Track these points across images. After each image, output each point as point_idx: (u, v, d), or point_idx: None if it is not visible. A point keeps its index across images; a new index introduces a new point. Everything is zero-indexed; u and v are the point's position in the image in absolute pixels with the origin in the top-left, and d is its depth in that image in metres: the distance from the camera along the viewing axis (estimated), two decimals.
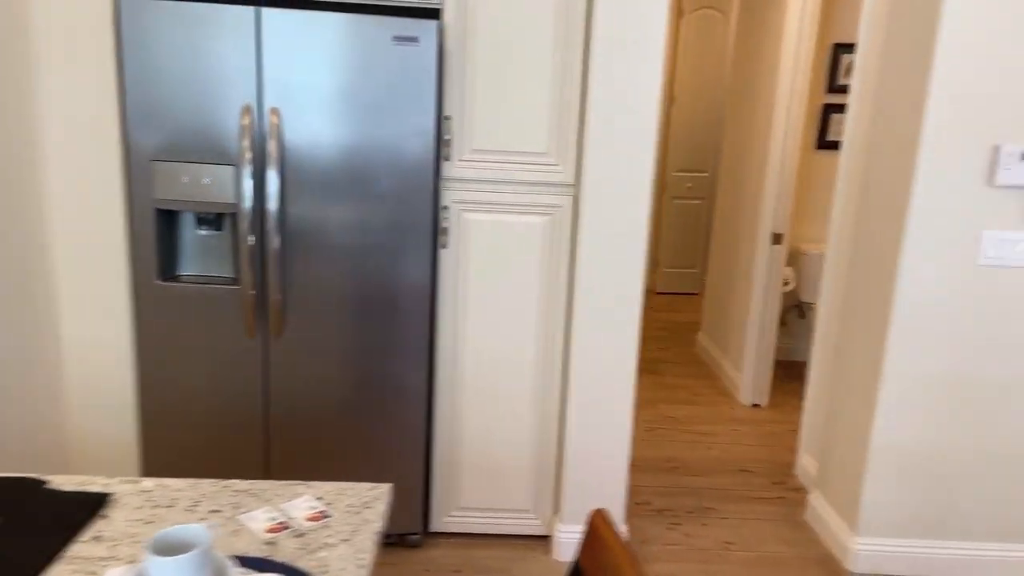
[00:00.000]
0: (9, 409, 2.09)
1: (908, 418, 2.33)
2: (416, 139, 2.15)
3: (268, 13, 2.05)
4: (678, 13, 5.88)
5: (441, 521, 2.53)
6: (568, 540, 2.45)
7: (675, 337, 5.06)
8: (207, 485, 1.27)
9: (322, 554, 1.09)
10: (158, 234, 2.18)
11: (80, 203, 2.21)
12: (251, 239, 2.14)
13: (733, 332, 4.15)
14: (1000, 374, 2.29)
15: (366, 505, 1.23)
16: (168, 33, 2.04)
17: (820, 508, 2.68)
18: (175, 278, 2.24)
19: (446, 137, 2.23)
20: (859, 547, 2.44)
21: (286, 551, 1.09)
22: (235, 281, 2.23)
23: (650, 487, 2.99)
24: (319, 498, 1.23)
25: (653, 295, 6.20)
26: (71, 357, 2.30)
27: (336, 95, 2.10)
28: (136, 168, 2.12)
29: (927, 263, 2.23)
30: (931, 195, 2.19)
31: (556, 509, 2.50)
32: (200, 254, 2.28)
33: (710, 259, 4.68)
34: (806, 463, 3.05)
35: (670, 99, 5.99)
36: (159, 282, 2.20)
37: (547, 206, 2.29)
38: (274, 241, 2.15)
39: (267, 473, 2.35)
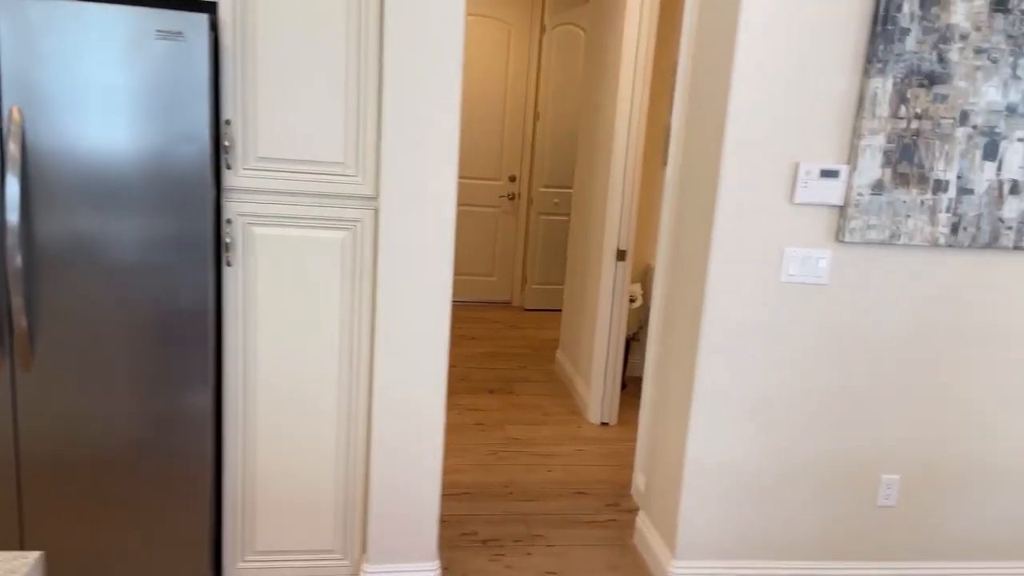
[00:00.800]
0: None
1: (719, 436, 2.29)
2: (187, 145, 1.93)
3: (18, 2, 1.80)
4: (540, 29, 5.87)
5: (235, 568, 2.29)
6: None
7: (535, 355, 4.98)
8: None
9: None
10: None
11: None
12: None
13: (583, 349, 4.09)
14: (808, 390, 2.28)
15: None
16: None
17: (646, 530, 2.61)
18: None
19: (225, 143, 2.02)
20: (678, 570, 2.37)
21: None
22: None
23: (479, 516, 2.85)
24: None
25: (521, 312, 6.13)
26: None
27: (92, 95, 1.86)
28: None
29: (732, 281, 2.20)
30: (734, 213, 2.16)
31: (364, 548, 2.31)
32: None
33: (566, 276, 4.63)
34: (640, 482, 2.99)
35: (534, 115, 5.97)
36: None
37: (347, 220, 2.12)
38: (15, 259, 1.87)
39: (21, 527, 2.05)
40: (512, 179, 6.07)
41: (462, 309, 5.98)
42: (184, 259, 1.99)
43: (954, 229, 2.20)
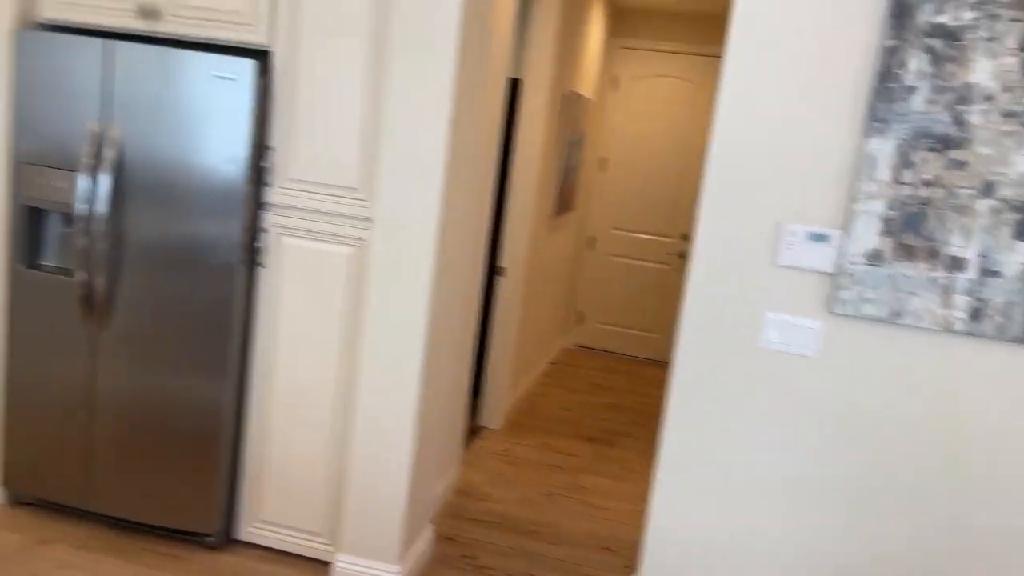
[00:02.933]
0: None
1: (685, 510, 2.16)
2: (230, 165, 2.36)
3: (118, 45, 2.37)
4: (612, 83, 5.79)
5: (245, 530, 2.64)
6: (345, 570, 2.47)
7: (657, 415, 4.86)
8: None
9: None
10: (25, 228, 2.53)
11: None
12: (84, 239, 2.43)
13: None
14: (782, 469, 2.08)
15: None
16: (47, 59, 2.41)
17: None
18: (36, 266, 2.57)
19: (264, 165, 2.42)
20: None
21: None
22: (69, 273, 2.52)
23: (491, 544, 2.92)
24: None
25: (581, 351, 5.98)
26: None
27: (168, 119, 2.37)
28: (12, 170, 2.50)
29: (704, 343, 2.10)
30: (710, 269, 2.08)
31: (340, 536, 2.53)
32: (63, 249, 2.60)
33: None
34: None
35: (601, 162, 5.92)
36: (22, 268, 2.54)
37: (355, 238, 2.41)
38: (102, 242, 2.43)
39: (88, 453, 2.59)
40: (685, 237, 5.99)
41: (614, 360, 5.99)
42: (224, 258, 2.41)
43: (975, 315, 1.90)
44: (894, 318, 1.94)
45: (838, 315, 2.00)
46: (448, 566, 2.72)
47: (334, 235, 2.42)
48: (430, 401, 2.50)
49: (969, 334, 1.91)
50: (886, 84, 1.88)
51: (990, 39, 1.82)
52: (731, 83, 2.00)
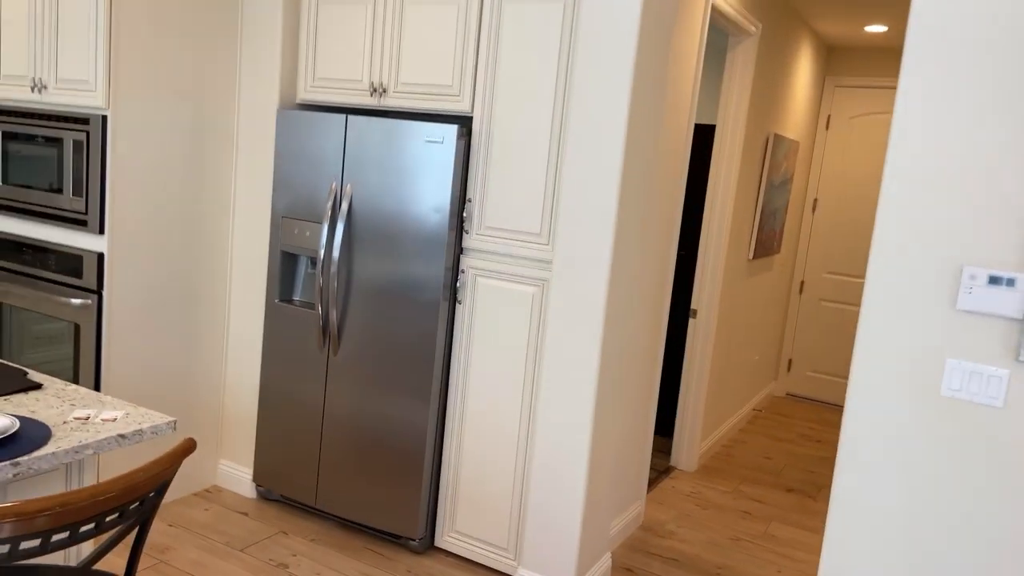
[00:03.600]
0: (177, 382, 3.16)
1: (857, 554, 2.10)
2: (435, 215, 2.74)
3: (351, 118, 2.87)
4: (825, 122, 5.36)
5: (443, 538, 2.95)
6: None
7: None
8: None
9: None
10: (281, 269, 3.10)
11: (247, 244, 3.25)
12: (321, 279, 2.94)
13: None
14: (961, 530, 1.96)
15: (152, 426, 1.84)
16: (300, 132, 2.99)
17: None
18: (289, 301, 3.13)
19: (465, 215, 2.78)
20: None
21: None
22: (313, 307, 3.04)
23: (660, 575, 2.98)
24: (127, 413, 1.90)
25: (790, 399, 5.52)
26: (231, 350, 3.33)
27: (388, 178, 2.81)
28: (273, 223, 3.09)
29: (880, 386, 2.06)
30: (884, 317, 2.04)
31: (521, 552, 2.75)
32: (308, 287, 3.15)
33: None
34: None
35: (812, 204, 5.53)
36: (278, 302, 3.12)
37: (537, 278, 2.67)
38: (335, 282, 2.91)
39: (318, 468, 3.07)
40: None
41: (826, 410, 5.69)
42: (428, 296, 2.78)
43: None
44: None
45: None
46: None
47: (520, 276, 2.70)
48: (605, 433, 2.66)
49: None
50: None
51: None
52: (904, 113, 1.99)
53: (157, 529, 2.98)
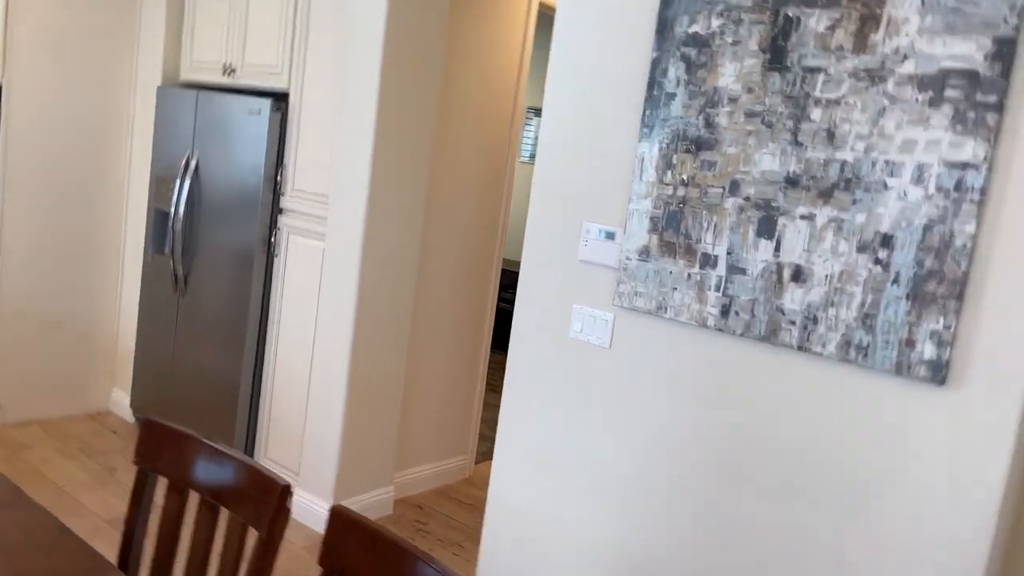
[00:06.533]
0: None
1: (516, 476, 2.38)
2: (254, 178, 3.18)
3: (199, 93, 3.36)
4: None
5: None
6: (301, 505, 3.07)
7: None
8: None
9: None
10: (155, 225, 3.62)
11: (138, 205, 3.79)
12: (171, 233, 3.43)
13: None
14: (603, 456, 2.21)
15: None
16: (170, 105, 3.49)
17: None
18: (161, 252, 3.64)
19: (279, 179, 3.20)
20: None
21: None
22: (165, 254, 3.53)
23: (448, 517, 3.28)
24: None
25: None
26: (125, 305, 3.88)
27: (223, 147, 3.28)
28: (150, 186, 3.61)
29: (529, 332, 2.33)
30: (534, 267, 2.32)
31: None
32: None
33: None
34: None
35: None
36: (151, 253, 3.64)
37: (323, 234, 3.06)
38: (181, 235, 3.40)
39: (170, 389, 3.55)
40: None
41: None
42: (251, 251, 3.22)
43: (724, 311, 1.91)
44: (659, 312, 2.03)
45: (622, 308, 2.12)
46: (394, 524, 3.16)
47: (318, 233, 3.09)
48: (367, 372, 3.02)
49: (719, 330, 1.93)
50: (652, 92, 2.03)
51: (734, 43, 1.89)
52: (551, 96, 2.28)
53: (31, 432, 3.54)
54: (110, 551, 2.61)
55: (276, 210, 3.24)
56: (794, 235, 1.81)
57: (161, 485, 1.64)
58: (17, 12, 3.32)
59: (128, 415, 3.85)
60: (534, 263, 2.32)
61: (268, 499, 1.43)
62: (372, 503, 3.16)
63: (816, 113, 1.77)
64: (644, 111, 2.04)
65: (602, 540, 2.17)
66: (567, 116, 2.23)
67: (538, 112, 4.48)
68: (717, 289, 1.93)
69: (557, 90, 2.25)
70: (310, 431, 3.06)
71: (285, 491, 1.43)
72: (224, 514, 1.49)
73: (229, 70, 3.39)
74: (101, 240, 3.77)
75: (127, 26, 3.67)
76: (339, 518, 1.34)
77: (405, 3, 2.84)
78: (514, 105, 3.55)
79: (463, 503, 3.47)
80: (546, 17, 3.61)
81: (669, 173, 2.00)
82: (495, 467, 2.43)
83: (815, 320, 1.78)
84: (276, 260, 3.25)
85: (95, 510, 2.96)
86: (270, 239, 3.25)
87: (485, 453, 3.88)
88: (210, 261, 3.37)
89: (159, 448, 1.60)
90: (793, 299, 1.81)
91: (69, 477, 3.20)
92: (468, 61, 3.28)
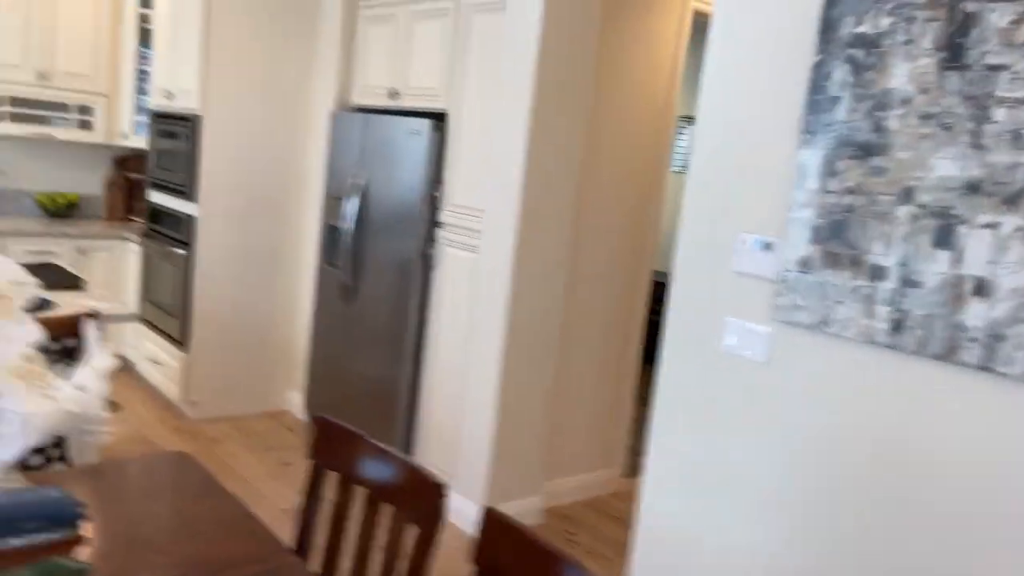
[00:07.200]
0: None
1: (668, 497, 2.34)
2: (414, 193, 3.36)
3: (365, 116, 3.59)
4: None
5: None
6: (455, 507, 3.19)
7: None
8: None
9: None
10: (327, 238, 3.91)
11: (315, 219, 4.10)
12: (341, 247, 3.68)
13: None
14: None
15: None
16: (341, 128, 3.77)
17: None
18: (331, 264, 3.93)
19: (436, 194, 3.36)
20: None
21: None
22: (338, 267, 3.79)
23: (598, 530, 3.27)
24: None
25: None
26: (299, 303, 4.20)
27: (387, 164, 3.48)
28: (323, 203, 3.91)
29: (679, 345, 2.30)
30: (686, 280, 2.29)
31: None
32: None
33: None
34: None
35: None
36: (322, 264, 3.93)
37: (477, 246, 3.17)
38: (351, 248, 3.64)
39: (342, 394, 3.81)
40: None
41: None
42: (411, 263, 3.40)
43: (896, 327, 1.79)
44: (822, 326, 1.93)
45: (780, 322, 2.05)
46: (544, 533, 3.20)
47: (471, 245, 3.21)
48: (518, 384, 3.08)
49: (889, 347, 1.81)
50: (815, 97, 1.95)
51: (907, 42, 1.78)
52: (705, 104, 2.25)
53: (220, 428, 3.91)
54: (286, 538, 2.84)
55: (434, 224, 3.39)
56: (977, 245, 1.67)
57: (330, 479, 1.77)
58: (214, 49, 3.71)
59: (301, 414, 4.16)
60: (685, 274, 2.29)
61: (426, 496, 1.51)
62: (522, 510, 3.22)
63: (1000, 114, 1.63)
64: (805, 116, 1.96)
65: (763, 565, 2.09)
66: (722, 124, 2.19)
67: (690, 121, 4.41)
68: (888, 303, 1.81)
69: (712, 98, 2.22)
70: (464, 435, 3.17)
71: (442, 489, 1.50)
72: (386, 510, 1.59)
73: (394, 94, 3.60)
74: (281, 253, 4.12)
75: (305, 55, 4.00)
76: (493, 519, 1.39)
77: (559, 23, 2.90)
78: (666, 115, 3.52)
79: (612, 516, 3.45)
80: (699, 24, 3.55)
81: (833, 180, 1.91)
82: (646, 482, 2.40)
83: (1000, 338, 1.63)
84: (434, 271, 3.41)
85: (273, 500, 3.22)
86: (429, 251, 3.41)
87: (633, 467, 3.84)
88: (375, 272, 3.58)
89: (330, 445, 1.73)
90: (975, 315, 1.67)
91: (251, 470, 3.50)
92: (620, 73, 3.29)
